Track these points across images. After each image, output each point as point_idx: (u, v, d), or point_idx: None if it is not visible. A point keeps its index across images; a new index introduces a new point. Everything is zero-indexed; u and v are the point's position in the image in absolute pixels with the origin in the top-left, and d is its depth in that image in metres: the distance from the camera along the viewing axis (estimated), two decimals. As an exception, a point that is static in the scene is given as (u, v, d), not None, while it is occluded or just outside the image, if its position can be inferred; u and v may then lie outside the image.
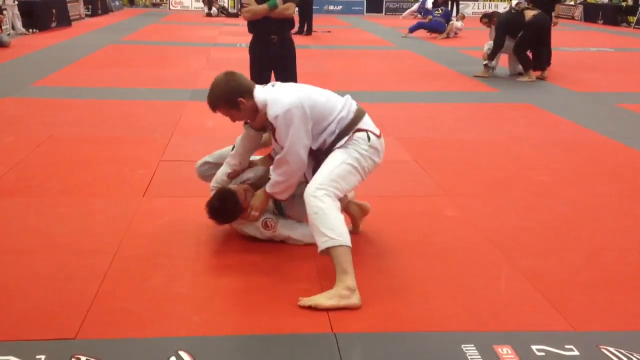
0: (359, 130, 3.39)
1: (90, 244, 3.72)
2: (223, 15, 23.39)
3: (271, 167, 3.52)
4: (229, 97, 3.39)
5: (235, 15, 22.76)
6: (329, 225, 3.11)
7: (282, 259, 3.59)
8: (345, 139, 3.37)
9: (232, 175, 3.76)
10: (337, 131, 3.38)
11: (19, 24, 15.33)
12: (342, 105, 3.41)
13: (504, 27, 9.98)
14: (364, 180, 3.49)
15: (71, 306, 3.00)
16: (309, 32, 16.93)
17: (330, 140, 3.40)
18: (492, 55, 10.23)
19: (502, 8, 11.85)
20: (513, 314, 3.05)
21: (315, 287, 3.24)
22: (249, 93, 3.38)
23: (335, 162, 3.30)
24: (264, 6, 5.34)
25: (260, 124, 3.52)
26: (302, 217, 3.59)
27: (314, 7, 17.74)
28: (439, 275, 3.44)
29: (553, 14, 10.83)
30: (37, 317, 2.91)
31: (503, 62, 10.80)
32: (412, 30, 17.04)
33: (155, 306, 3.04)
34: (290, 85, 3.50)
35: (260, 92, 3.38)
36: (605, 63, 12.71)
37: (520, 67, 10.30)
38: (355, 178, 3.38)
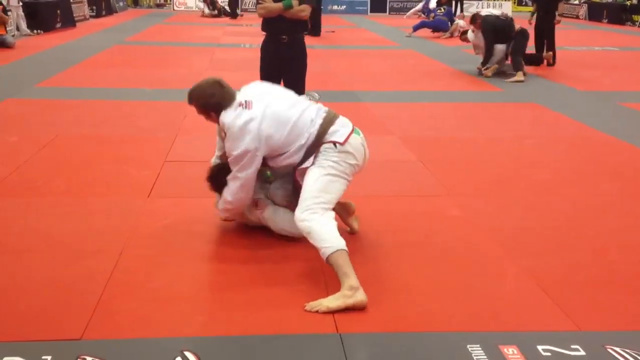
0: (323, 143, 3.46)
1: (95, 244, 3.73)
2: (216, 15, 23.31)
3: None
4: (203, 105, 3.61)
5: (233, 15, 22.79)
6: (321, 237, 3.21)
7: (288, 259, 3.59)
8: (312, 157, 3.47)
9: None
10: (301, 153, 3.48)
11: (23, 25, 15.36)
12: (305, 132, 3.46)
13: (492, 33, 10.00)
14: (350, 182, 3.51)
15: (77, 307, 3.01)
16: (317, 33, 16.91)
17: (298, 160, 3.50)
18: (485, 62, 10.25)
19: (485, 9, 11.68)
20: (518, 314, 3.05)
21: (321, 287, 3.24)
22: (221, 110, 3.52)
23: (312, 179, 3.39)
24: (279, 5, 5.34)
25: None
26: (283, 202, 3.80)
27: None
28: (443, 275, 3.43)
29: (557, 12, 10.82)
30: (43, 318, 2.91)
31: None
32: (415, 29, 17.02)
33: (161, 306, 3.04)
34: (261, 107, 3.47)
35: (226, 115, 3.49)
36: (609, 62, 12.68)
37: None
38: (339, 184, 3.43)
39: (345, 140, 3.45)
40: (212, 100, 3.53)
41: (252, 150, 3.43)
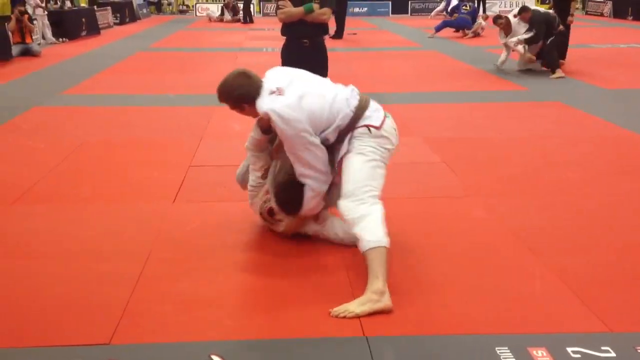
0: (358, 127, 3.39)
1: (121, 249, 3.76)
2: (238, 20, 23.44)
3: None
4: (233, 99, 3.49)
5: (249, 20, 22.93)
6: (367, 228, 3.17)
7: (313, 262, 3.59)
8: (346, 141, 3.40)
9: (264, 176, 3.80)
10: (336, 134, 3.41)
11: (49, 33, 15.58)
12: (342, 111, 3.38)
13: (544, 25, 10.05)
14: (386, 164, 3.46)
15: (105, 311, 3.04)
16: (340, 36, 16.93)
17: (332, 141, 3.44)
18: (530, 42, 10.26)
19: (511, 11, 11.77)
20: (547, 315, 3.01)
21: (346, 290, 3.23)
22: (253, 99, 3.41)
23: (356, 167, 3.32)
24: (300, 9, 5.35)
25: (267, 124, 3.50)
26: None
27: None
28: (470, 277, 3.41)
29: (570, 11, 10.85)
30: (71, 323, 2.94)
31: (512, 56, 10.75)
32: (438, 29, 16.95)
33: (188, 310, 3.06)
34: (294, 91, 3.39)
35: (262, 103, 3.38)
36: (635, 59, 12.51)
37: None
38: (382, 170, 3.38)
39: (381, 125, 3.39)
40: (240, 91, 3.44)
41: (304, 129, 3.29)
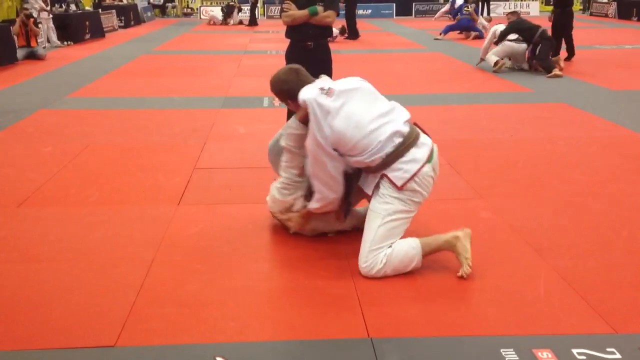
0: (385, 175, 3.37)
1: (127, 252, 3.77)
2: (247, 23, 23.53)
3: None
4: (278, 92, 3.69)
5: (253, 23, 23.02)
6: (402, 263, 3.39)
7: (318, 264, 3.59)
8: (373, 184, 3.44)
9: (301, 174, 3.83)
10: (362, 167, 3.48)
11: (54, 36, 15.63)
12: (376, 150, 3.33)
13: (511, 30, 10.78)
14: (415, 212, 3.50)
15: (110, 314, 3.04)
16: (356, 36, 16.99)
17: (362, 166, 3.48)
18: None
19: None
20: (552, 317, 3.01)
21: (351, 292, 3.24)
22: (296, 96, 3.49)
23: (377, 223, 3.38)
24: (304, 12, 5.37)
25: (306, 117, 3.49)
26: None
27: (343, 12, 17.76)
28: (476, 279, 3.40)
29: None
30: (76, 326, 2.95)
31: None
32: (445, 32, 16.96)
33: (193, 313, 3.06)
34: (342, 101, 3.38)
35: (304, 92, 3.44)
36: (640, 60, 12.50)
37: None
38: (402, 223, 3.43)
39: (407, 182, 3.32)
40: (285, 86, 3.60)
41: (323, 137, 3.33)
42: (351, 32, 17.02)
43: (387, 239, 3.36)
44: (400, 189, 3.33)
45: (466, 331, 2.90)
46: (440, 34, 17.02)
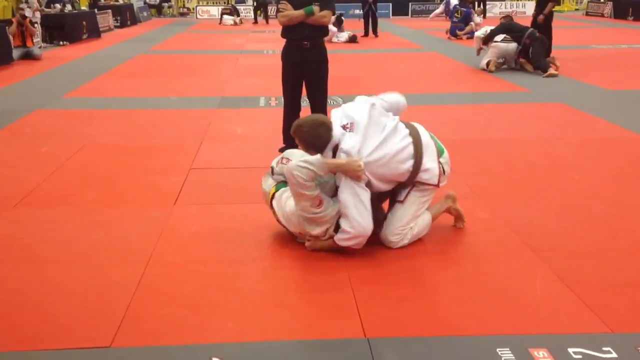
0: (418, 182, 3.75)
1: (123, 252, 3.76)
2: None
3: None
4: (310, 145, 3.67)
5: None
6: (419, 232, 3.83)
7: (315, 264, 3.59)
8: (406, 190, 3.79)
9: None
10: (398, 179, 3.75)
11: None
12: (401, 169, 3.67)
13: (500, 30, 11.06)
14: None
15: (106, 314, 3.04)
16: (375, 34, 17.05)
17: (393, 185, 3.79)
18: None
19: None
20: (549, 316, 3.01)
21: (348, 293, 3.23)
22: (323, 150, 3.62)
23: (412, 209, 3.77)
24: (301, 12, 5.37)
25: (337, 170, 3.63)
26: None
27: (340, 11, 17.77)
28: (473, 278, 3.41)
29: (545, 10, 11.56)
30: (72, 326, 2.94)
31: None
32: (452, 35, 16.97)
33: (190, 313, 3.06)
34: (362, 131, 3.61)
35: (346, 146, 3.58)
36: (636, 60, 12.51)
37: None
38: (428, 203, 3.88)
39: (439, 180, 3.78)
40: (319, 142, 3.63)
41: (362, 188, 3.56)
42: (374, 30, 17.16)
43: (416, 218, 3.78)
44: (437, 186, 3.80)
45: (462, 330, 2.90)
46: (448, 36, 17.04)
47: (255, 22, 24.38)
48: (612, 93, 8.89)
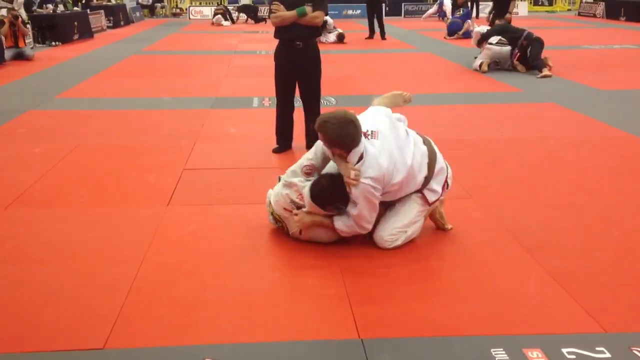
0: (425, 189, 3.80)
1: (116, 253, 3.75)
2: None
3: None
4: (335, 143, 3.57)
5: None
6: (411, 235, 3.82)
7: (309, 265, 3.59)
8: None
9: (306, 170, 3.88)
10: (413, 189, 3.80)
11: None
12: (417, 178, 3.73)
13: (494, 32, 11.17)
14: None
15: (99, 316, 3.03)
16: (382, 36, 16.94)
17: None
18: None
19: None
20: (542, 316, 3.02)
21: (341, 293, 3.23)
22: (349, 151, 3.55)
23: (409, 207, 3.79)
24: (293, 13, 5.37)
25: (337, 163, 3.67)
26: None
27: (333, 12, 17.74)
28: (466, 278, 3.41)
29: (509, 11, 11.93)
30: (65, 328, 2.93)
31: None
32: (450, 35, 16.99)
33: (183, 314, 3.05)
34: (381, 139, 3.62)
35: (364, 168, 3.54)
36: (628, 60, 12.54)
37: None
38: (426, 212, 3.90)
39: (436, 201, 3.85)
40: (346, 140, 3.52)
41: (376, 198, 3.59)
42: (380, 32, 17.00)
43: (413, 223, 3.79)
44: (430, 205, 3.85)
45: (456, 331, 2.90)
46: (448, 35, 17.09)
47: (246, 20, 24.34)
48: (604, 93, 8.91)
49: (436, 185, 3.81)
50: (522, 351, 2.71)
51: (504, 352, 2.70)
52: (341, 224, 3.67)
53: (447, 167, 3.93)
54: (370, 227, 3.69)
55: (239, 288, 3.35)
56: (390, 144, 3.61)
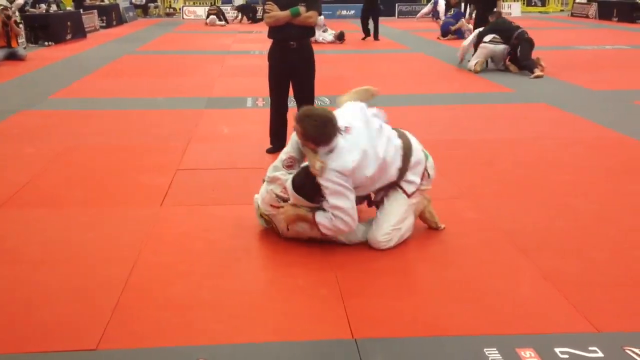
0: (402, 181, 3.82)
1: (109, 253, 3.74)
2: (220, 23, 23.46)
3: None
4: (313, 139, 3.63)
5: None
6: (404, 234, 3.84)
7: (303, 266, 3.59)
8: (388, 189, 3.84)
9: (287, 163, 3.90)
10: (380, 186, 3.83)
11: None
12: (390, 171, 3.75)
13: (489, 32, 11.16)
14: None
15: (92, 316, 3.02)
16: (376, 37, 16.94)
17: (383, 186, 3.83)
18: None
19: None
20: (535, 316, 3.03)
21: (335, 294, 3.23)
22: (323, 146, 3.61)
23: (399, 204, 3.81)
24: (287, 13, 5.37)
25: (306, 153, 3.76)
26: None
27: (327, 12, 17.70)
28: (460, 278, 3.42)
29: (495, 9, 11.83)
30: (58, 329, 2.92)
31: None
32: (444, 35, 17.01)
33: (176, 315, 3.05)
34: (354, 148, 3.63)
35: (330, 160, 3.59)
36: (621, 60, 12.59)
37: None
38: (414, 206, 3.89)
39: (415, 192, 3.83)
40: (322, 138, 3.60)
41: (347, 187, 3.60)
42: (374, 33, 17.00)
43: (404, 220, 3.80)
44: (409, 197, 3.82)
45: (450, 331, 2.91)
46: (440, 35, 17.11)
47: (240, 20, 24.32)
48: (596, 93, 8.94)
49: (413, 176, 3.82)
50: (515, 351, 2.72)
51: (497, 352, 2.71)
52: (322, 217, 3.65)
53: (426, 157, 3.93)
54: (351, 222, 3.62)
55: (232, 288, 3.34)
56: (362, 139, 3.65)
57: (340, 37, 16.23)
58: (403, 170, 3.78)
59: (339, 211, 3.59)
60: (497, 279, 3.42)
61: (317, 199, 3.69)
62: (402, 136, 3.88)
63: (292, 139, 3.91)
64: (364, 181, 3.66)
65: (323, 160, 3.57)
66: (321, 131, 3.59)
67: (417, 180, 3.83)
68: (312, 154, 3.65)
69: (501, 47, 10.84)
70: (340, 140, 3.61)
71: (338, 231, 3.67)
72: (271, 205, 3.83)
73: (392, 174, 3.75)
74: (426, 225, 4.10)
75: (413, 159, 3.82)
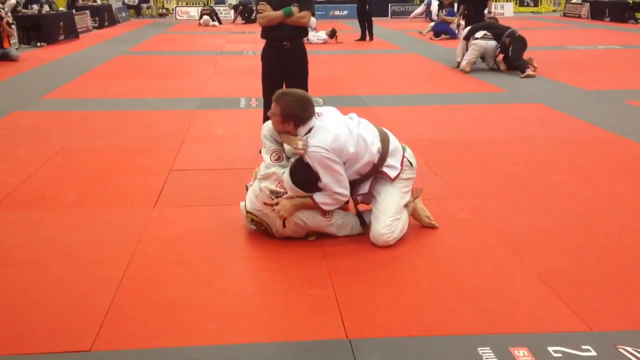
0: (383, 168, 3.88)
1: (103, 254, 3.73)
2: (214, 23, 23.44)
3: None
4: (292, 116, 3.75)
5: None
6: (404, 227, 3.92)
7: (296, 265, 3.59)
8: (369, 181, 3.92)
9: (275, 156, 3.96)
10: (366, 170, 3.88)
11: None
12: (369, 150, 3.81)
13: (481, 29, 11.13)
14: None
15: (86, 318, 3.01)
16: (371, 37, 16.90)
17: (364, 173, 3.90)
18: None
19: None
20: (529, 315, 3.03)
21: (330, 294, 3.24)
22: (301, 125, 3.75)
23: (393, 195, 3.89)
24: (280, 13, 5.37)
25: (284, 140, 3.86)
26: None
27: (320, 12, 17.70)
28: (453, 278, 3.42)
29: (486, 10, 12.10)
30: (52, 330, 2.92)
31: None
32: (436, 35, 17.04)
33: (170, 316, 3.04)
34: (326, 131, 3.72)
35: (311, 139, 3.70)
36: (613, 60, 12.64)
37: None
38: (407, 195, 3.98)
39: (397, 175, 3.90)
40: (302, 114, 3.73)
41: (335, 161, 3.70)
42: (369, 34, 16.97)
43: (401, 210, 3.89)
44: (392, 180, 3.89)
45: (444, 330, 2.91)
46: (426, 33, 17.17)
47: (234, 21, 24.34)
48: (589, 93, 8.98)
49: (394, 161, 3.90)
50: (509, 350, 2.72)
51: (490, 351, 2.71)
52: (320, 197, 3.76)
53: (404, 148, 4.03)
54: (345, 192, 3.76)
55: (226, 289, 3.34)
56: (336, 120, 3.84)
57: (332, 35, 16.25)
58: (384, 155, 3.85)
59: (335, 186, 3.70)
60: (491, 278, 3.43)
61: (314, 189, 3.75)
62: (377, 127, 3.99)
63: (264, 137, 3.98)
64: (352, 156, 3.74)
65: (303, 139, 3.69)
66: (301, 106, 3.74)
67: (398, 165, 3.91)
68: (291, 137, 3.76)
69: (492, 44, 10.86)
70: (317, 122, 3.75)
71: (338, 202, 3.80)
72: (265, 204, 3.82)
73: (374, 152, 3.81)
74: (420, 225, 4.11)
75: (391, 146, 3.91)
